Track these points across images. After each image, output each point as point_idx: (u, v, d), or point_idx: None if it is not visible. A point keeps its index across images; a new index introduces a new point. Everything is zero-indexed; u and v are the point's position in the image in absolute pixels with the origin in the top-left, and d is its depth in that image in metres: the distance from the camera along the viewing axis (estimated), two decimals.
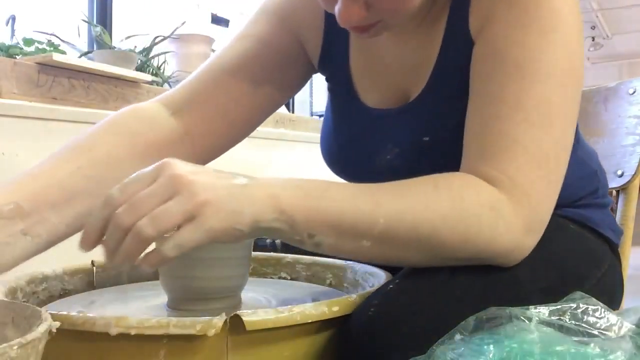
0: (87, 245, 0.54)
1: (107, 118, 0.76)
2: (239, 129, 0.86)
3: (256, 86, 0.82)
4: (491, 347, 0.49)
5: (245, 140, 1.92)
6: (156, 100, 0.81)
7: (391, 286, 0.62)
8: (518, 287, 0.64)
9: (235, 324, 0.58)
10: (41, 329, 0.44)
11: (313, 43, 0.86)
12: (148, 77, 1.72)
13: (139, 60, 1.89)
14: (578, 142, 0.80)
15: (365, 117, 0.81)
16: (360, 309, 0.61)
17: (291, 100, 3.00)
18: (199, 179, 0.52)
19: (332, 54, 0.85)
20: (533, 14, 0.66)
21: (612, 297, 0.82)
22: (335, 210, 0.58)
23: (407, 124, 0.75)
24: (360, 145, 0.80)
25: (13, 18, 1.76)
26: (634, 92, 1.06)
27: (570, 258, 0.74)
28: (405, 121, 0.76)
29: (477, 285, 0.62)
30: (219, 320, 0.57)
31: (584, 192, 0.81)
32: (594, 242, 0.81)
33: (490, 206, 0.60)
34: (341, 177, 0.86)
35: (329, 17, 0.80)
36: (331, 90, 0.88)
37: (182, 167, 0.52)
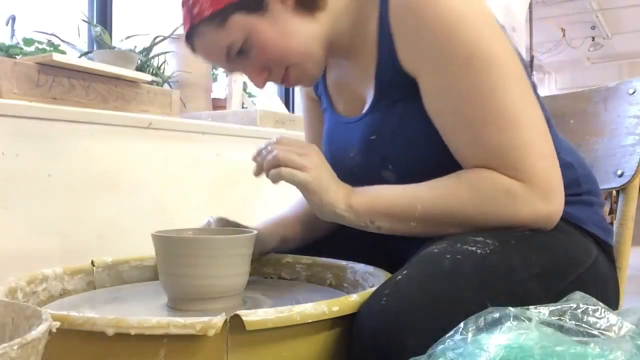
0: (254, 158, 0.85)
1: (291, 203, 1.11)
2: None
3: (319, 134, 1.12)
4: (491, 347, 0.49)
5: (247, 141, 1.92)
6: None
7: (399, 277, 0.67)
8: (514, 273, 0.72)
9: (235, 324, 0.58)
10: (41, 329, 0.44)
11: (311, 88, 1.09)
12: (148, 77, 1.72)
13: (139, 60, 1.89)
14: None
15: (338, 125, 0.99)
16: (370, 300, 0.66)
17: (291, 101, 3.00)
18: (317, 158, 0.83)
19: (319, 86, 1.06)
20: (450, 52, 0.78)
21: (605, 288, 0.83)
22: (386, 204, 0.81)
23: (362, 128, 0.92)
24: (335, 147, 0.99)
25: (13, 18, 1.76)
26: (634, 92, 1.06)
27: (560, 244, 0.79)
28: (361, 126, 0.92)
29: (478, 272, 0.69)
30: (219, 320, 0.57)
31: None
32: (579, 236, 0.84)
33: (504, 190, 0.76)
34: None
35: None
36: (323, 112, 1.06)
37: (317, 150, 0.85)
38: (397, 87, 0.85)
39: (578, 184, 0.88)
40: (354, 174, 0.92)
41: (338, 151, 0.98)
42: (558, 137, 0.92)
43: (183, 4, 0.86)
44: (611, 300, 0.84)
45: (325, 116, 1.05)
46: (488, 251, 0.71)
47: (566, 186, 0.80)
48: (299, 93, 1.16)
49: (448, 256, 0.70)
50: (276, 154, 0.80)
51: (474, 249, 0.71)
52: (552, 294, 0.71)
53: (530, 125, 0.77)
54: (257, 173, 0.84)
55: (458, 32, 0.77)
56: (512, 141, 0.76)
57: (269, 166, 0.81)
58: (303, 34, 0.85)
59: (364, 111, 0.92)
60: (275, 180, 0.81)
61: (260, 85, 0.90)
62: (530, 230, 0.77)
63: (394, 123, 0.86)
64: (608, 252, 0.88)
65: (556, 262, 0.76)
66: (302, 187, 0.81)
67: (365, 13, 0.88)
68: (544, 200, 0.76)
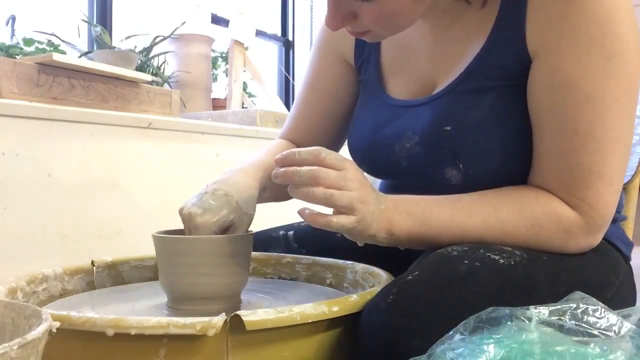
0: (282, 163, 0.69)
1: (266, 148, 0.96)
2: (331, 136, 1.01)
3: (328, 102, 0.98)
4: (491, 347, 0.49)
5: (247, 141, 1.92)
6: (280, 138, 1.03)
7: (410, 277, 0.64)
8: (536, 289, 0.68)
9: (235, 324, 0.58)
10: (41, 329, 0.44)
11: (349, 48, 0.95)
12: (148, 77, 1.72)
13: (139, 60, 1.89)
14: None
15: (389, 107, 0.86)
16: (377, 297, 0.64)
17: (291, 101, 3.00)
18: (362, 191, 0.69)
19: (365, 51, 0.93)
20: (597, 41, 0.69)
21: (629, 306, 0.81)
22: (432, 236, 0.73)
23: (430, 113, 0.79)
24: (382, 134, 0.85)
25: (13, 18, 1.76)
26: None
27: (592, 266, 0.75)
28: (428, 111, 0.80)
29: (494, 283, 0.65)
30: (219, 320, 0.57)
31: None
32: (610, 250, 0.81)
33: (565, 231, 0.72)
34: (364, 168, 0.88)
35: None
36: (362, 84, 0.95)
37: (359, 173, 0.71)
38: (500, 70, 0.75)
39: (620, 204, 0.85)
40: (402, 168, 0.82)
41: (386, 139, 0.84)
42: None
43: None
44: None
45: (364, 94, 0.93)
46: (512, 262, 0.68)
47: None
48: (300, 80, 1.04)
49: (466, 261, 0.66)
50: (313, 191, 0.67)
51: (497, 257, 0.68)
52: None
53: (623, 154, 0.71)
54: (279, 181, 0.69)
55: (612, 22, 0.68)
56: (602, 168, 0.70)
57: (302, 197, 0.68)
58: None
59: (437, 91, 0.80)
60: (317, 224, 0.68)
61: (334, 27, 0.74)
62: None
63: (481, 113, 0.75)
64: (629, 265, 0.85)
65: (585, 285, 0.69)
66: (349, 230, 0.69)
67: None
68: (595, 234, 0.73)
